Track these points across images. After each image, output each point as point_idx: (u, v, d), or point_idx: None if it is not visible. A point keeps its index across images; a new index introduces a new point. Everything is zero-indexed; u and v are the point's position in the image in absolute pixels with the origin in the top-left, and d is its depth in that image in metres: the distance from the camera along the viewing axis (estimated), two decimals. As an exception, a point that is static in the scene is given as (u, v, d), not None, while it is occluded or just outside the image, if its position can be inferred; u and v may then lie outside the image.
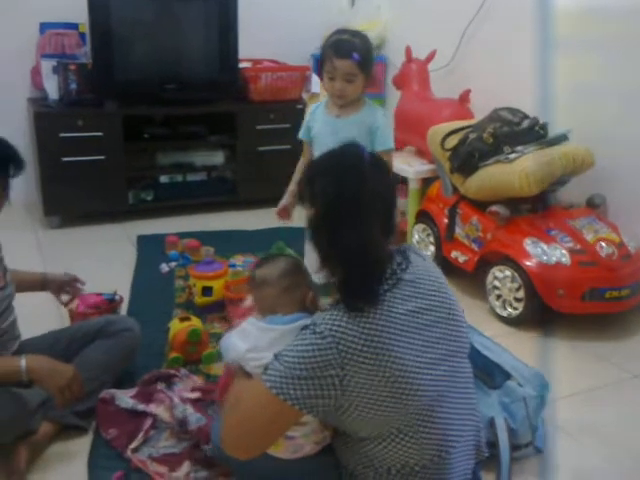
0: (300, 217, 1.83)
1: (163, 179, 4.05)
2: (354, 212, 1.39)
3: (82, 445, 1.94)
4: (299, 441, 1.53)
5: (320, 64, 2.31)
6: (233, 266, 3.13)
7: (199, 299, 2.74)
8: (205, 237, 3.48)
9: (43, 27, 3.86)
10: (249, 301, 1.96)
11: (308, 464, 1.57)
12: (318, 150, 2.33)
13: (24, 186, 3.85)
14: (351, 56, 2.18)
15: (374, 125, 2.30)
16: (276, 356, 1.41)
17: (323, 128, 2.36)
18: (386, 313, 1.38)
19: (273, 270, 1.65)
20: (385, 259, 1.44)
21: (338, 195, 1.40)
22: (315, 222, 1.45)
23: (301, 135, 2.49)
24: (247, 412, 1.43)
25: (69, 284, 2.33)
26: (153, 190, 3.99)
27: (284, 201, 2.53)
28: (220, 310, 2.71)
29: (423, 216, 3.35)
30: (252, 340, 1.52)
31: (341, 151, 1.50)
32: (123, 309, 2.62)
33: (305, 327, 1.41)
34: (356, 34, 2.27)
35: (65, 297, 2.36)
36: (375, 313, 1.37)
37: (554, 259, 2.66)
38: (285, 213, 2.54)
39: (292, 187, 2.53)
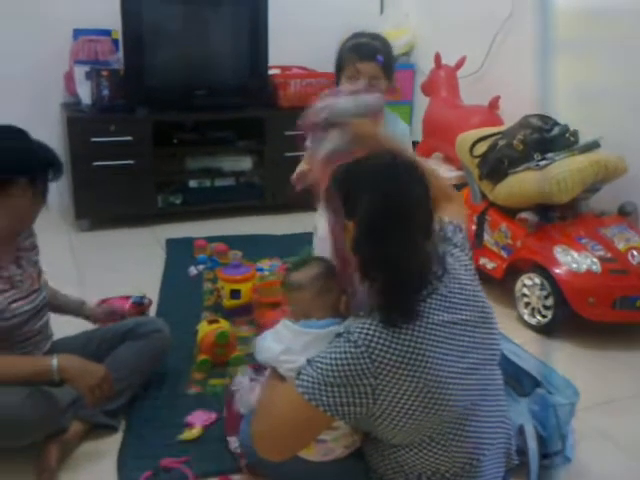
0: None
1: (192, 184, 4.09)
2: (397, 225, 1.37)
3: (112, 444, 1.96)
4: (329, 445, 1.53)
5: (338, 70, 2.21)
6: (260, 270, 3.15)
7: (227, 302, 2.75)
8: (233, 241, 3.51)
9: (77, 34, 3.93)
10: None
11: (338, 467, 1.58)
12: None
13: (57, 189, 3.86)
14: (375, 58, 2.10)
15: (395, 135, 2.19)
16: (309, 362, 1.42)
17: None
18: (420, 324, 1.38)
19: (307, 274, 1.65)
20: (428, 270, 1.42)
21: (381, 209, 1.38)
22: (357, 235, 1.41)
23: None
24: (279, 416, 1.44)
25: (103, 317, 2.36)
26: (182, 194, 4.03)
27: (301, 167, 2.38)
28: (248, 313, 2.73)
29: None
30: (286, 343, 1.53)
31: (376, 160, 1.48)
32: (152, 311, 2.66)
33: (339, 334, 1.41)
34: (375, 37, 2.19)
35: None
36: (409, 323, 1.37)
37: (584, 267, 2.63)
38: (303, 179, 2.35)
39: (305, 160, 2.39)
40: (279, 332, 1.59)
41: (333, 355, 1.37)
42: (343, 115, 1.74)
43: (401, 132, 2.26)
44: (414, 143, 4.20)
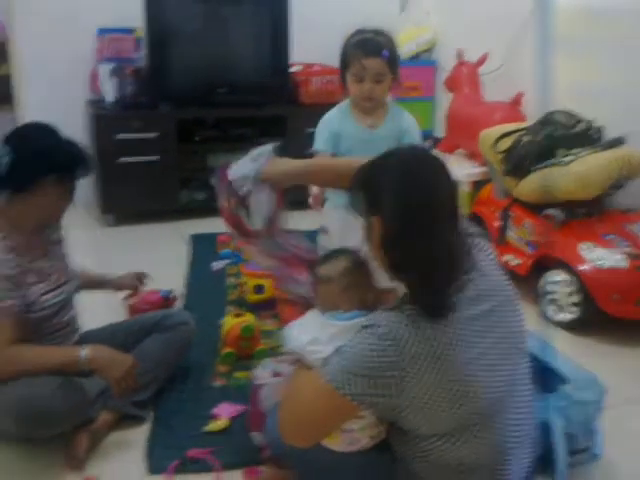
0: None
1: (215, 180, 4.10)
2: (426, 220, 1.36)
3: (139, 434, 1.99)
4: (355, 434, 1.54)
5: (342, 66, 2.17)
6: (284, 266, 3.16)
7: (251, 296, 2.77)
8: (255, 237, 3.52)
9: (101, 32, 3.98)
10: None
11: (363, 458, 1.58)
12: None
13: (83, 185, 3.90)
14: (381, 54, 2.07)
15: (402, 129, 2.19)
16: (337, 351, 1.42)
17: (357, 142, 2.17)
18: (447, 318, 1.37)
19: (336, 267, 1.66)
20: (458, 264, 1.40)
21: (409, 203, 1.37)
22: (385, 232, 1.40)
23: (322, 147, 2.20)
24: (305, 403, 1.45)
25: (132, 282, 2.43)
26: (205, 190, 4.05)
27: (315, 189, 2.45)
28: (271, 308, 2.74)
29: (474, 219, 3.32)
30: (313, 333, 1.54)
31: (398, 156, 1.46)
32: (177, 306, 2.68)
33: (366, 326, 1.41)
34: (379, 32, 2.14)
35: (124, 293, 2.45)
36: (438, 318, 1.36)
37: (610, 263, 2.61)
38: (319, 200, 2.44)
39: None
40: (306, 322, 1.59)
41: (360, 346, 1.38)
42: (248, 179, 1.79)
43: (407, 126, 2.23)
44: (436, 140, 4.21)
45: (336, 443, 1.55)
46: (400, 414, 1.40)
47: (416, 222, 1.36)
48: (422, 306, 1.36)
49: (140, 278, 2.45)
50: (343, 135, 2.20)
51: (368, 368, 1.35)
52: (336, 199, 2.24)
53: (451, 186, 1.44)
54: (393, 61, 2.12)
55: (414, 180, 1.40)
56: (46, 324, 1.93)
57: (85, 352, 1.84)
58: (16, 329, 1.79)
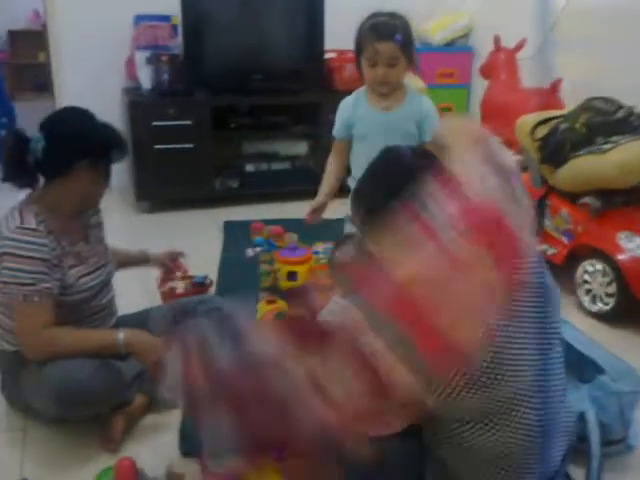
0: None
1: (249, 168, 4.14)
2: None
3: (174, 417, 2.00)
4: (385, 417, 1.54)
5: (357, 51, 2.18)
6: (316, 253, 3.16)
7: (284, 283, 2.79)
8: (289, 224, 3.53)
9: (137, 20, 4.02)
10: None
11: (391, 443, 1.57)
12: (366, 149, 2.21)
13: (118, 172, 3.97)
14: (393, 38, 2.06)
15: (422, 113, 2.19)
16: None
17: (372, 125, 2.21)
18: None
19: (349, 251, 1.67)
20: None
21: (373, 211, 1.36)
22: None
23: (337, 134, 2.33)
24: None
25: (171, 260, 2.46)
26: (239, 178, 4.08)
27: (316, 203, 2.44)
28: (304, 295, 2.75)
29: (509, 208, 3.28)
30: (337, 316, 1.54)
31: (379, 164, 1.45)
32: (211, 292, 2.71)
33: None
34: (394, 15, 2.14)
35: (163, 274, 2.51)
36: None
37: (649, 253, 2.56)
38: (318, 214, 2.46)
39: (324, 187, 2.45)
40: (330, 308, 1.59)
41: None
42: None
43: (427, 110, 2.23)
44: (471, 127, 4.16)
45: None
46: (435, 394, 1.40)
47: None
48: None
49: (174, 257, 2.47)
50: (357, 120, 2.24)
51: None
52: None
53: None
54: (407, 45, 2.11)
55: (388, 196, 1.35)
56: (84, 307, 1.97)
57: (122, 335, 1.87)
58: (52, 312, 1.82)
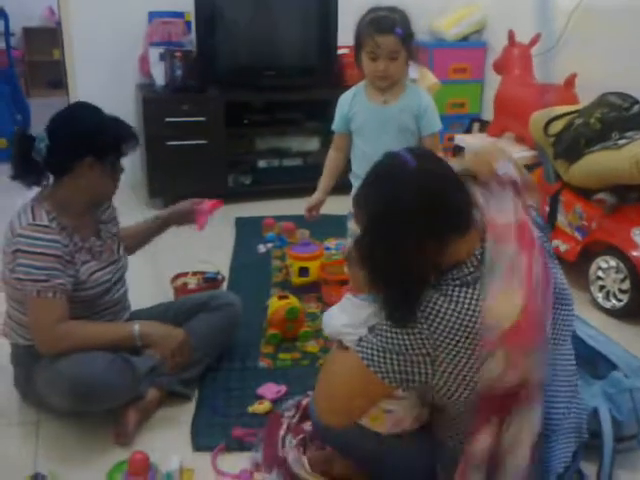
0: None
1: (261, 164, 4.14)
2: (388, 234, 1.32)
3: (186, 412, 2.03)
4: (399, 415, 1.54)
5: (356, 45, 2.18)
6: (327, 249, 3.17)
7: (296, 279, 2.79)
8: (300, 220, 3.50)
9: (151, 16, 4.03)
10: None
11: (406, 441, 1.58)
12: (364, 143, 2.27)
13: (131, 168, 4.01)
14: (394, 31, 2.06)
15: (420, 108, 2.19)
16: (370, 329, 1.43)
17: (369, 118, 2.22)
18: (478, 295, 1.34)
19: None
20: (424, 279, 1.36)
21: (373, 217, 1.35)
22: (359, 242, 1.41)
23: (336, 128, 2.35)
24: (339, 380, 1.47)
25: (190, 211, 2.30)
26: (251, 174, 4.09)
27: (314, 200, 2.45)
28: (316, 290, 2.76)
29: (522, 204, 3.27)
30: (349, 316, 1.54)
31: (381, 167, 1.40)
32: (223, 287, 2.72)
33: None
34: (393, 9, 2.13)
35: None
36: (472, 294, 1.34)
37: (664, 250, 2.54)
38: (315, 211, 2.48)
39: (322, 183, 2.47)
40: (343, 305, 1.60)
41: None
42: None
43: (426, 105, 2.23)
44: (484, 122, 4.14)
45: (381, 424, 1.55)
46: (438, 393, 1.40)
47: (378, 237, 1.34)
48: (391, 312, 1.36)
49: (191, 207, 2.30)
50: (355, 113, 2.26)
51: (400, 345, 1.35)
52: (358, 182, 2.27)
53: (435, 189, 1.33)
54: (407, 38, 2.11)
55: (379, 196, 1.35)
56: (98, 302, 1.98)
57: (138, 327, 1.89)
58: (66, 307, 1.84)
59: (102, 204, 2.05)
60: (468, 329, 1.32)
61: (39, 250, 1.79)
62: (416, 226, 1.31)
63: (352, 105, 2.28)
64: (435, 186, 1.33)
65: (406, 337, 1.34)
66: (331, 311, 1.64)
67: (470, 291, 1.33)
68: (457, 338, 1.32)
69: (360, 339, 1.44)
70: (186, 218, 2.32)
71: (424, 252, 1.32)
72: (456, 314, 1.32)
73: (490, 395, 1.36)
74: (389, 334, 1.37)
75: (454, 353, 1.33)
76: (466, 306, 1.32)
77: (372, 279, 1.38)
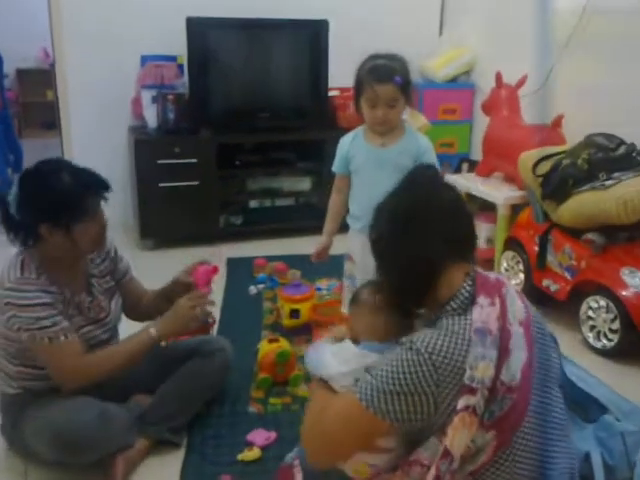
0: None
1: (252, 204, 4.17)
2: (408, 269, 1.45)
3: (174, 460, 2.00)
4: (380, 468, 1.52)
5: (356, 92, 2.21)
6: (319, 290, 3.17)
7: (287, 321, 2.78)
8: (292, 260, 3.55)
9: (144, 59, 4.08)
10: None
11: None
12: (361, 183, 2.29)
13: (123, 209, 4.05)
14: (393, 80, 2.09)
15: (420, 150, 2.21)
16: (368, 371, 1.43)
17: (367, 160, 2.25)
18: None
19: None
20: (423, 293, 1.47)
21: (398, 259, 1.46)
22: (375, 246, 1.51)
23: (337, 169, 2.37)
24: (334, 421, 1.44)
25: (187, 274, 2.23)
26: (243, 214, 4.11)
27: (321, 245, 2.48)
28: (307, 332, 2.75)
29: (512, 243, 3.29)
30: (351, 365, 1.53)
31: (408, 199, 1.50)
32: (214, 330, 2.70)
33: (401, 344, 1.40)
34: (393, 57, 2.17)
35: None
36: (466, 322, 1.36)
37: (653, 290, 2.55)
38: (323, 254, 2.50)
39: (327, 227, 2.48)
40: (342, 352, 1.58)
41: (394, 363, 1.36)
42: None
43: (425, 148, 2.25)
44: (473, 162, 4.19)
45: (363, 476, 1.54)
46: (430, 432, 1.38)
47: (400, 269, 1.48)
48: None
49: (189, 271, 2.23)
50: (354, 155, 2.29)
51: (402, 385, 1.34)
52: (355, 223, 2.29)
53: (448, 231, 1.45)
54: (405, 86, 2.14)
55: (407, 234, 1.45)
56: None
57: (154, 331, 1.93)
58: (79, 342, 1.85)
59: (94, 255, 2.03)
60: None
61: (33, 302, 1.78)
62: (441, 230, 1.43)
63: (351, 147, 2.31)
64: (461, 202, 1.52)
65: (407, 375, 1.33)
66: (324, 354, 1.61)
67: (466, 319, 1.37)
68: (460, 374, 1.32)
69: (356, 382, 1.43)
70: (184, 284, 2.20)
71: (439, 255, 1.43)
72: (459, 348, 1.33)
73: None
74: (390, 374, 1.35)
75: (455, 391, 1.32)
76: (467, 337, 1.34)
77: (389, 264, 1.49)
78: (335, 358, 1.58)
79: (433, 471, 1.35)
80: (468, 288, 1.41)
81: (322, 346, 1.64)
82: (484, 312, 1.38)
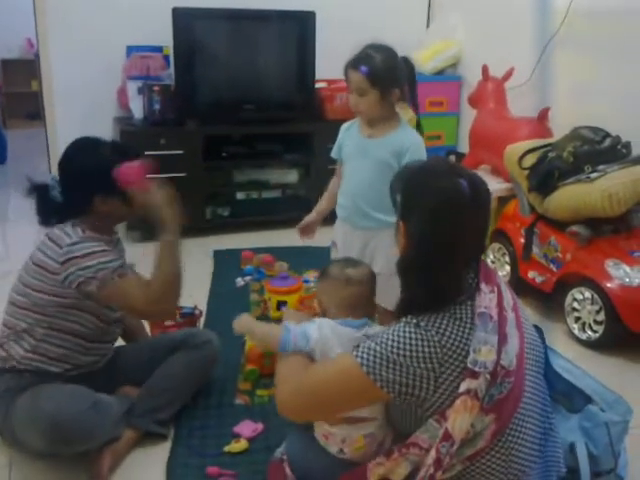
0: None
1: (239, 196, 4.15)
2: (442, 252, 1.39)
3: (161, 452, 2.00)
4: (378, 437, 1.57)
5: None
6: (306, 282, 3.17)
7: (274, 313, 2.78)
8: (279, 252, 3.54)
9: (130, 50, 4.05)
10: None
11: None
12: (347, 172, 2.28)
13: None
14: (359, 68, 2.08)
15: (403, 147, 2.16)
16: (369, 337, 1.45)
17: (354, 149, 2.26)
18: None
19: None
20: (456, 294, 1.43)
21: (433, 238, 1.39)
22: (404, 248, 1.46)
23: (334, 154, 2.39)
24: (324, 380, 1.45)
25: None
26: (230, 206, 4.09)
27: (309, 218, 2.46)
28: (294, 325, 2.75)
29: (498, 235, 3.31)
30: (329, 338, 1.55)
31: (443, 180, 1.43)
32: (200, 322, 2.70)
33: (405, 322, 1.39)
34: (380, 49, 2.13)
35: None
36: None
37: (637, 281, 2.57)
38: (308, 230, 2.47)
39: (318, 205, 2.47)
40: (319, 325, 1.58)
41: (400, 333, 1.36)
42: None
43: (410, 144, 2.18)
44: (460, 155, 4.20)
45: (363, 451, 1.57)
46: (424, 414, 1.39)
47: (432, 254, 1.40)
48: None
49: None
50: (346, 143, 2.30)
51: (406, 356, 1.34)
52: (340, 211, 2.29)
53: (481, 226, 1.46)
54: (375, 77, 2.08)
55: (444, 218, 1.39)
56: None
57: (167, 236, 2.05)
58: (141, 275, 1.99)
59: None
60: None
61: (97, 249, 1.84)
62: (467, 247, 1.42)
63: (345, 134, 2.32)
64: (486, 213, 1.50)
65: (413, 348, 1.34)
66: (298, 327, 1.59)
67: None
68: (463, 354, 1.33)
69: (357, 345, 1.42)
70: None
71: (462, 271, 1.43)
72: (462, 330, 1.35)
73: None
74: (395, 343, 1.35)
75: (456, 374, 1.33)
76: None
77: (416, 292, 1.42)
78: (311, 329, 1.57)
79: (433, 453, 1.36)
80: (470, 281, 1.43)
81: (322, 322, 1.63)
82: (487, 298, 1.40)
